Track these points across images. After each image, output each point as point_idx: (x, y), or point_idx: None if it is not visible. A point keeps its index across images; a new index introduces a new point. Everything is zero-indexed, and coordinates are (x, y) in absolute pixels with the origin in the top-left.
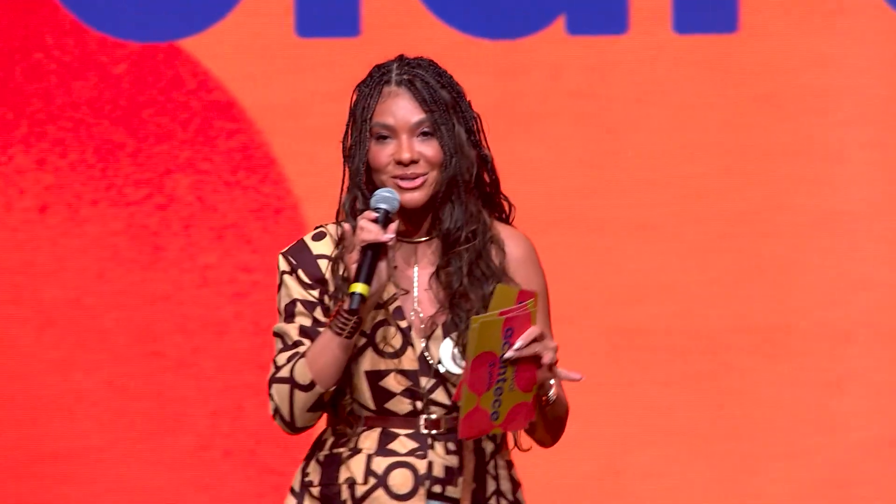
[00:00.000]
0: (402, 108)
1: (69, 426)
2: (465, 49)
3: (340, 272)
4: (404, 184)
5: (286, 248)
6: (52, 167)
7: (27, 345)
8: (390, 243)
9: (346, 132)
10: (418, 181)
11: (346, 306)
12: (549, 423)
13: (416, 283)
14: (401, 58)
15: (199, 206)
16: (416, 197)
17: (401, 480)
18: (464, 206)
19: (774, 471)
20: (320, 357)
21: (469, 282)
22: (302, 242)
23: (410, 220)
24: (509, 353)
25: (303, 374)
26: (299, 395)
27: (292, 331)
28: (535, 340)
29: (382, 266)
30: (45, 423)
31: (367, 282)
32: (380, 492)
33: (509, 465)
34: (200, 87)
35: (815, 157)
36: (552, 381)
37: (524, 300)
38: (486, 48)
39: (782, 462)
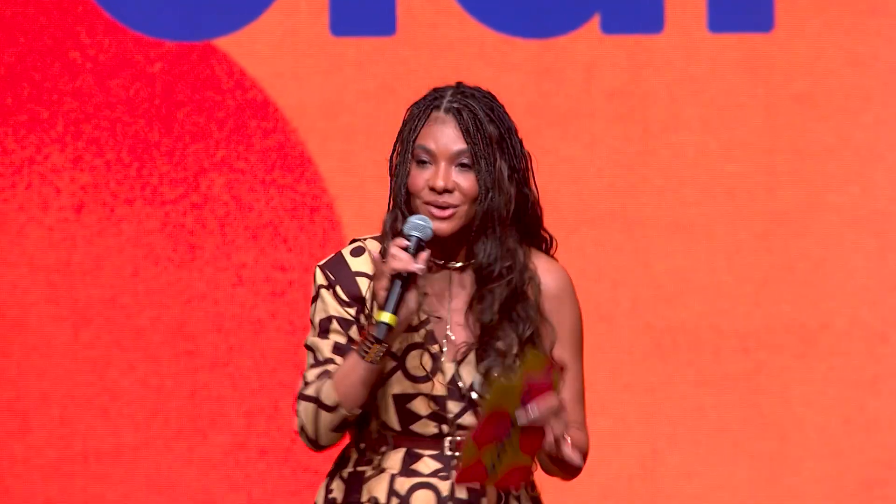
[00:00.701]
0: (444, 136)
1: (104, 425)
2: (500, 48)
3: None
4: (436, 212)
5: (324, 262)
6: (88, 166)
7: (63, 343)
8: (420, 273)
9: (394, 150)
10: (448, 212)
11: (372, 334)
12: (561, 470)
13: (450, 308)
14: (458, 85)
15: (234, 205)
16: (443, 228)
17: (423, 501)
18: (499, 242)
19: (809, 471)
20: (346, 380)
21: (501, 318)
22: (340, 257)
23: (446, 247)
24: (522, 419)
25: (329, 395)
26: (324, 416)
27: (325, 347)
28: (550, 412)
29: (412, 295)
30: (80, 422)
31: (395, 311)
32: None
33: (532, 485)
34: (236, 86)
35: (849, 156)
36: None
37: (552, 369)
38: (520, 47)
39: (817, 462)
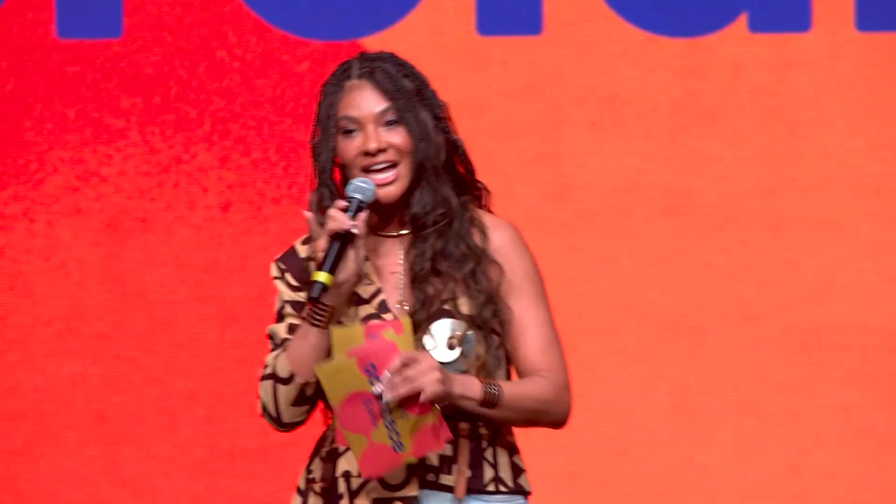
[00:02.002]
0: (365, 100)
1: (251, 423)
2: (647, 47)
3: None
4: (379, 178)
5: (278, 256)
6: (235, 165)
7: (210, 342)
8: (358, 233)
9: (313, 132)
10: (391, 174)
11: (310, 295)
12: (512, 420)
13: (400, 274)
14: (361, 54)
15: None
16: (391, 191)
17: (394, 471)
18: (432, 190)
19: None
20: (297, 349)
21: (440, 262)
22: (292, 249)
23: (387, 214)
24: (384, 394)
25: (283, 367)
26: (281, 390)
27: (281, 330)
28: (404, 366)
29: (350, 256)
30: (226, 421)
31: (331, 271)
32: (373, 483)
33: (511, 450)
34: None
35: None
36: (468, 393)
37: (376, 332)
38: (667, 46)
39: None
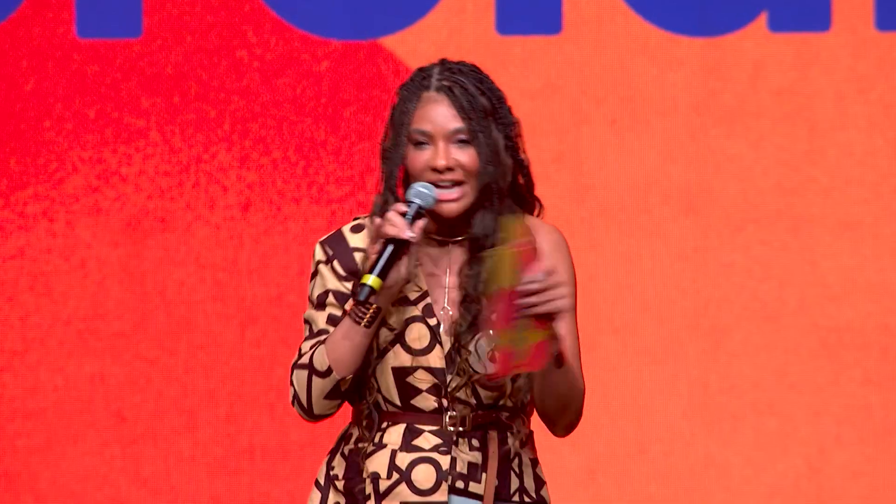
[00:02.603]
0: (440, 115)
1: (270, 422)
2: (667, 46)
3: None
4: (442, 194)
5: (324, 238)
6: (255, 165)
7: (230, 342)
8: (413, 241)
9: (385, 133)
10: (455, 192)
11: (356, 296)
12: (557, 394)
13: (448, 282)
14: (443, 62)
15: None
16: (453, 208)
17: (424, 476)
18: (496, 214)
19: None
20: (339, 344)
21: (487, 288)
22: (339, 233)
23: (444, 223)
24: (530, 284)
25: (321, 360)
26: (317, 382)
27: (321, 319)
28: (549, 274)
29: (403, 262)
30: (246, 420)
31: (381, 275)
32: (402, 487)
33: (534, 462)
34: None
35: None
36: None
37: (526, 243)
38: (687, 45)
39: None
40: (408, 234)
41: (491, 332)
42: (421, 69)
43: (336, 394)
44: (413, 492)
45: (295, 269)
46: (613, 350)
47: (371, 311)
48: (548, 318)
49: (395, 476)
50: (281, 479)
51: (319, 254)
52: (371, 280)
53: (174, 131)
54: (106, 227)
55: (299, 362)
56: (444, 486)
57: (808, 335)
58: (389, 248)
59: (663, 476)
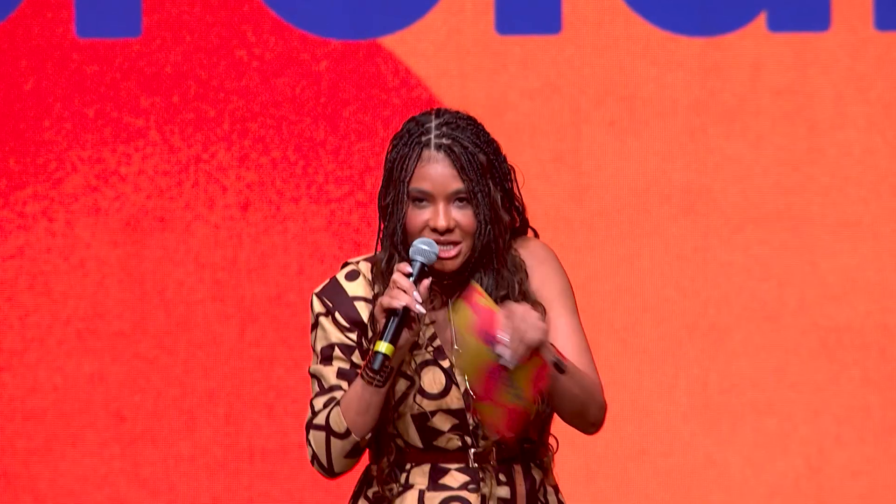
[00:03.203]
0: (440, 175)
1: (270, 423)
2: (666, 46)
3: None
4: (442, 252)
5: (320, 288)
6: (254, 164)
7: (230, 341)
8: (422, 313)
9: (383, 187)
10: (453, 251)
11: (371, 364)
12: (568, 398)
13: (453, 325)
14: (438, 113)
15: None
16: (449, 265)
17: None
18: (495, 274)
19: None
20: (354, 406)
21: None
22: (336, 282)
23: (444, 277)
24: (505, 356)
25: (338, 422)
26: (336, 443)
27: (330, 374)
28: (512, 326)
29: (412, 324)
30: (246, 420)
31: (393, 342)
32: None
33: (556, 489)
34: (401, 84)
35: None
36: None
37: (471, 298)
38: (686, 45)
39: None
40: (418, 309)
41: (486, 404)
42: (416, 121)
43: (356, 452)
44: None
45: (294, 268)
46: (613, 350)
47: (384, 373)
48: (537, 362)
49: None
50: (280, 479)
51: (318, 306)
52: (384, 348)
53: (173, 131)
54: (105, 227)
55: (315, 422)
56: None
57: (807, 335)
58: (397, 316)
59: (663, 477)
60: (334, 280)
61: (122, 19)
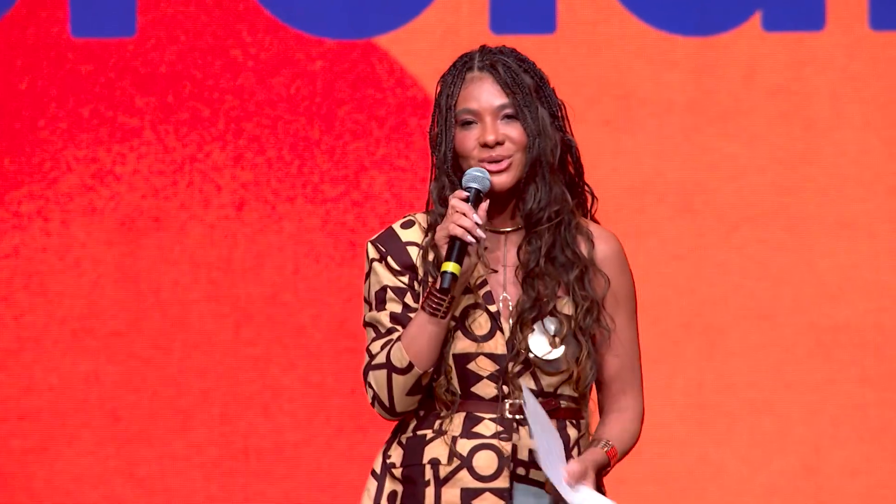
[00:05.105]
0: (485, 92)
1: (265, 423)
2: (661, 45)
3: (431, 258)
4: (491, 167)
5: (375, 236)
6: (249, 164)
7: (225, 341)
8: (481, 227)
9: (432, 122)
10: (504, 164)
11: (438, 285)
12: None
13: (505, 268)
14: (482, 47)
15: (395, 203)
16: (503, 180)
17: (486, 462)
18: (548, 187)
19: None
20: (416, 339)
21: (547, 263)
22: (391, 230)
23: (498, 208)
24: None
25: (400, 357)
26: (398, 379)
27: (384, 318)
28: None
29: (473, 249)
30: (241, 420)
31: (459, 261)
32: (464, 472)
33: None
34: (397, 84)
35: None
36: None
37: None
38: (681, 45)
39: None
40: (479, 233)
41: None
42: (461, 55)
43: (418, 389)
44: (475, 478)
45: (290, 268)
46: None
47: (448, 300)
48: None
49: (456, 462)
50: (276, 479)
51: (372, 252)
52: (452, 267)
53: (168, 130)
54: (100, 227)
55: (374, 363)
56: (506, 473)
57: (803, 334)
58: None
59: (659, 476)
60: (390, 228)
61: (117, 19)
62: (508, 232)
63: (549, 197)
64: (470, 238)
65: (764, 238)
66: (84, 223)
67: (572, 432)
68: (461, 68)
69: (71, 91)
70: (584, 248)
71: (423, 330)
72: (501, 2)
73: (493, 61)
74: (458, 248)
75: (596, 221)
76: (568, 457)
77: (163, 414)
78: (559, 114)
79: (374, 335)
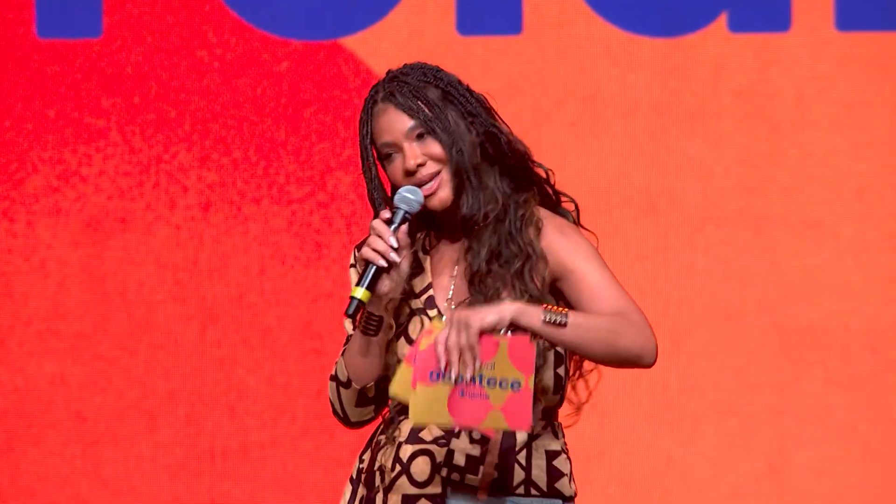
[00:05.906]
0: (392, 121)
1: (231, 424)
2: (627, 47)
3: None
4: (424, 190)
5: (359, 242)
6: (215, 165)
7: (190, 342)
8: (398, 251)
9: (362, 161)
10: (434, 184)
11: (346, 310)
12: (590, 347)
13: (454, 275)
14: (388, 73)
15: (361, 204)
16: (440, 197)
17: (421, 468)
18: (477, 191)
19: None
20: (353, 354)
21: (493, 262)
22: None
23: (449, 218)
24: (458, 373)
25: (342, 371)
26: (344, 392)
27: (349, 326)
28: (442, 342)
29: (394, 271)
30: (207, 421)
31: (371, 285)
32: (403, 479)
33: (552, 454)
34: (363, 85)
35: None
36: (535, 319)
37: (415, 353)
38: (647, 46)
39: None
40: (392, 256)
41: (482, 423)
42: (371, 89)
43: (365, 401)
44: (412, 484)
45: (255, 269)
46: None
47: (374, 319)
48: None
49: (398, 468)
50: (241, 479)
51: (351, 257)
52: (359, 293)
53: (134, 131)
54: (66, 228)
55: (331, 374)
56: (438, 479)
57: (768, 335)
58: (373, 265)
59: (624, 477)
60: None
61: (83, 20)
62: (459, 238)
63: (482, 198)
64: (382, 262)
65: (729, 239)
66: (50, 224)
67: (520, 435)
68: (369, 104)
69: (37, 92)
70: (531, 236)
71: (356, 346)
72: (467, 3)
73: (391, 89)
74: (372, 272)
75: (561, 196)
76: (512, 462)
77: (129, 414)
78: (481, 108)
79: (344, 343)
